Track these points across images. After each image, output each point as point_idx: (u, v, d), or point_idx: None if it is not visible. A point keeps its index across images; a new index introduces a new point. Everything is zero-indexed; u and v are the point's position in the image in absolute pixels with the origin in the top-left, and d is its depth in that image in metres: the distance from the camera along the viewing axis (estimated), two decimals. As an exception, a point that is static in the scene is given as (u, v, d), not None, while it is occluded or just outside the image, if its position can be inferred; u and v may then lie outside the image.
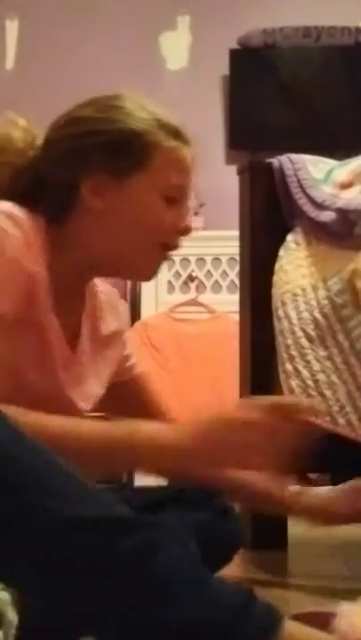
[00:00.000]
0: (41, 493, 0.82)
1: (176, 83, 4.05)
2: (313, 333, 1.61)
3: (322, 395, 1.57)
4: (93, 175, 1.17)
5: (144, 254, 1.20)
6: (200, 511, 1.25)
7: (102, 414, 1.29)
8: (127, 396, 1.40)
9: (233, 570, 1.63)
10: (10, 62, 4.14)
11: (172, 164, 1.21)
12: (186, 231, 1.23)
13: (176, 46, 4.07)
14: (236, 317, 1.88)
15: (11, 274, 1.06)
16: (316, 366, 1.59)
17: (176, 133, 1.24)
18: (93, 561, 0.80)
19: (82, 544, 0.81)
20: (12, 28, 4.15)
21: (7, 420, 0.88)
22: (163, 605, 0.80)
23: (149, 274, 1.24)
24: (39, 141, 1.25)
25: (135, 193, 1.19)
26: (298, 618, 0.91)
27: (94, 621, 0.83)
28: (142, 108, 1.26)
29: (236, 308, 1.88)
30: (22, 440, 0.87)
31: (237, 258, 1.91)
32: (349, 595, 1.40)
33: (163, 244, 1.22)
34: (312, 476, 3.29)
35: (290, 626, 0.84)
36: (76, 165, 1.18)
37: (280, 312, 1.66)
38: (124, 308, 1.41)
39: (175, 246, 1.23)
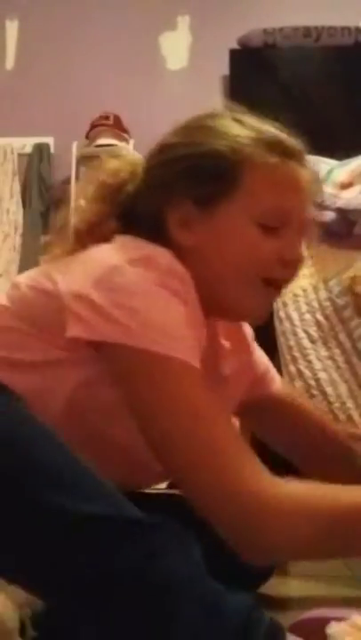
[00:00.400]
0: (50, 483, 0.79)
1: (176, 83, 4.05)
2: (315, 334, 1.61)
3: (323, 392, 1.57)
4: (178, 206, 1.03)
5: (247, 292, 1.02)
6: None
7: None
8: (273, 418, 1.23)
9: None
10: (10, 62, 4.15)
11: (268, 183, 1.03)
12: (293, 263, 1.04)
13: (176, 46, 4.07)
14: (237, 317, 1.88)
15: (196, 326, 0.95)
16: (318, 365, 1.59)
17: (279, 148, 1.08)
18: (95, 563, 0.77)
19: (88, 542, 0.78)
20: (11, 28, 4.16)
21: (21, 403, 0.85)
22: (164, 615, 0.77)
23: (259, 314, 1.07)
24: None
25: (223, 222, 1.02)
26: (293, 629, 0.91)
27: (94, 624, 0.79)
28: (238, 123, 1.12)
29: (237, 308, 1.87)
30: (35, 425, 0.84)
31: (238, 258, 1.91)
32: (349, 594, 1.41)
33: (266, 279, 1.03)
34: (312, 475, 3.29)
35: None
36: (162, 196, 1.04)
37: (281, 313, 1.66)
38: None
39: (283, 280, 1.05)
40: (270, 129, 1.13)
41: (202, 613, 0.78)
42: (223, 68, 3.94)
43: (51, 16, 4.12)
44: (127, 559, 0.78)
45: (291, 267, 1.04)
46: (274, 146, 1.08)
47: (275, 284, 1.04)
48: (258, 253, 1.01)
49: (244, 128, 1.11)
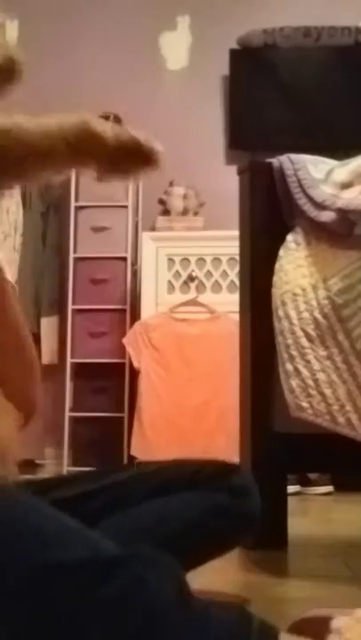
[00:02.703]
0: (22, 535, 0.79)
1: (176, 83, 4.05)
2: (313, 333, 1.61)
3: (322, 394, 1.57)
4: None
5: None
6: (216, 492, 1.23)
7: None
8: None
9: (234, 570, 1.63)
10: (10, 62, 4.14)
11: None
12: None
13: (176, 46, 4.07)
14: (236, 317, 1.88)
15: None
16: (316, 366, 1.59)
17: None
18: (78, 605, 0.76)
19: (66, 588, 0.76)
20: (12, 28, 4.16)
21: None
22: None
23: None
24: None
25: None
26: (293, 628, 0.90)
27: None
28: None
29: (236, 307, 1.87)
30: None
31: (237, 258, 1.90)
32: (350, 595, 1.41)
33: None
34: (312, 476, 3.29)
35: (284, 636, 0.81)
36: None
37: (280, 312, 1.66)
38: None
39: None
40: None
41: (190, 634, 0.78)
42: (223, 68, 3.94)
43: (51, 16, 4.12)
44: (111, 594, 0.77)
45: None
46: None
47: None
48: None
49: None
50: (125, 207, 3.75)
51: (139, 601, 0.77)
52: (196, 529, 1.19)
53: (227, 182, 3.54)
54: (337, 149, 2.67)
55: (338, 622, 0.84)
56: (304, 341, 1.61)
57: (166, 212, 3.88)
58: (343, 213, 1.66)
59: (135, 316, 3.66)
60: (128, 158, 0.97)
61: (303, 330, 1.61)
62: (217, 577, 1.42)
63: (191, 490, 1.22)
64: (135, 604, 0.76)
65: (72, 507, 0.93)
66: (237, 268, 2.03)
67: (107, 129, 0.95)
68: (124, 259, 3.72)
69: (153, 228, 3.81)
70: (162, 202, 3.93)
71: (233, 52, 3.89)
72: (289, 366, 1.61)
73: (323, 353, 1.59)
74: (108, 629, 0.76)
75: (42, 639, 0.78)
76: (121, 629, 0.76)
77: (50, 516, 0.83)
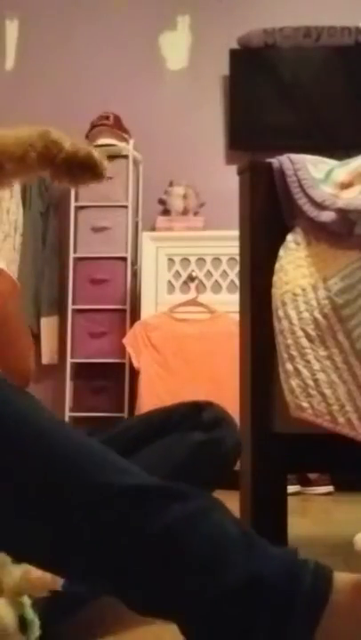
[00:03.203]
0: (87, 463, 0.82)
1: (176, 83, 4.05)
2: (313, 333, 1.61)
3: (322, 394, 1.57)
4: None
5: None
6: (193, 429, 1.28)
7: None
8: None
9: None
10: (10, 62, 4.15)
11: None
12: None
13: (176, 46, 4.08)
14: (236, 317, 1.88)
15: None
16: (316, 366, 1.59)
17: None
18: (146, 527, 0.79)
19: (137, 510, 0.80)
20: (11, 28, 4.16)
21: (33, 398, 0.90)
22: (220, 565, 0.77)
23: None
24: None
25: None
26: None
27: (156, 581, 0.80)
28: None
29: (236, 307, 1.87)
30: (52, 416, 0.88)
31: (237, 258, 1.90)
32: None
33: None
34: (312, 476, 3.29)
35: (338, 575, 0.80)
36: None
37: (280, 312, 1.66)
38: None
39: None
40: None
41: (257, 560, 0.78)
42: (223, 68, 3.94)
43: (51, 16, 4.12)
44: (174, 518, 0.80)
45: None
46: None
47: None
48: None
49: None
50: (125, 207, 3.76)
51: (205, 529, 0.79)
52: (180, 471, 1.20)
53: (227, 182, 3.55)
54: (337, 149, 2.68)
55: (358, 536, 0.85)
56: (304, 341, 1.61)
57: (166, 212, 3.88)
58: (343, 213, 1.66)
59: (135, 316, 3.66)
60: (79, 166, 1.10)
61: (303, 330, 1.61)
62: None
63: (164, 437, 1.26)
64: (202, 532, 0.79)
65: None
66: (237, 268, 2.03)
67: (65, 138, 1.11)
68: (124, 259, 3.72)
69: (153, 228, 3.81)
70: (162, 202, 3.93)
71: (233, 52, 3.89)
72: (289, 366, 1.61)
73: (323, 353, 1.59)
74: (173, 554, 0.78)
75: (102, 553, 0.80)
76: (187, 556, 0.78)
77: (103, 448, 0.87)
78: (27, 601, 1.01)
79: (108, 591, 0.84)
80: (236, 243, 1.87)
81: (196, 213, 3.86)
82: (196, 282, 3.58)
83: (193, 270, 3.59)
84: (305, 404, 1.58)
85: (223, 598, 0.76)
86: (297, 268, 1.68)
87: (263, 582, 0.76)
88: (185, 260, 3.61)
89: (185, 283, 3.59)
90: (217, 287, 3.58)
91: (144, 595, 0.80)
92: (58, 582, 1.00)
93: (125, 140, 3.81)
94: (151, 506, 0.80)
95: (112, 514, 0.79)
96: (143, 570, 0.79)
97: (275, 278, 1.70)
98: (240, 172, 1.87)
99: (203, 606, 0.76)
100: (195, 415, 1.31)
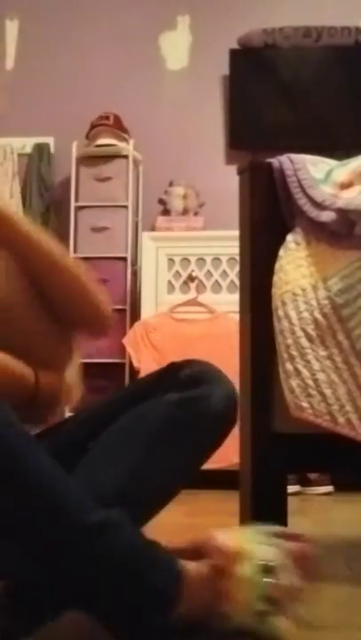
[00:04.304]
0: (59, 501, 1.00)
1: (176, 83, 4.05)
2: (313, 333, 1.61)
3: (322, 394, 1.57)
4: None
5: None
6: (168, 390, 1.22)
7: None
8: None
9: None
10: (10, 62, 4.15)
11: None
12: None
13: (176, 46, 4.07)
14: (236, 317, 1.88)
15: None
16: (316, 365, 1.58)
17: None
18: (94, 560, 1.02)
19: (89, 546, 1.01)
20: (11, 28, 4.16)
21: (19, 427, 0.99)
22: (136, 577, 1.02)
23: None
24: None
25: None
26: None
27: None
28: None
29: (236, 307, 1.87)
30: (36, 451, 1.00)
31: (237, 258, 1.90)
32: (350, 595, 1.41)
33: None
34: (312, 476, 3.29)
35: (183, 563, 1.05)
36: None
37: (280, 312, 1.65)
38: None
39: None
40: None
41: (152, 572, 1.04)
42: (223, 68, 3.94)
43: (51, 16, 4.12)
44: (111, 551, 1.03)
45: None
46: None
47: None
48: None
49: None
50: (125, 207, 3.76)
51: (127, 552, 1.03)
52: (156, 435, 1.17)
53: (227, 182, 3.54)
54: (337, 149, 2.67)
55: (215, 534, 1.07)
56: (304, 341, 1.61)
57: (166, 212, 3.88)
58: (343, 213, 1.66)
59: (135, 316, 3.66)
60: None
61: (303, 330, 1.61)
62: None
63: (141, 401, 1.22)
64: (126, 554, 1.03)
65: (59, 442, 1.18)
66: (237, 268, 2.03)
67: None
68: (124, 259, 3.72)
69: (153, 228, 3.81)
70: (162, 202, 3.93)
71: (233, 52, 3.89)
72: (289, 366, 1.61)
73: (323, 353, 1.59)
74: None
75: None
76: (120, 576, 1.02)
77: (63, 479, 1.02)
78: None
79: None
80: (236, 243, 1.87)
81: (196, 213, 3.86)
82: (196, 282, 3.58)
83: (193, 270, 3.59)
84: (305, 404, 1.58)
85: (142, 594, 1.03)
86: (297, 268, 1.68)
87: (156, 589, 1.03)
88: (185, 260, 3.61)
89: (185, 283, 3.59)
90: (217, 287, 3.58)
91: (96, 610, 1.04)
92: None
93: (125, 140, 3.81)
94: (96, 546, 1.00)
95: (70, 550, 1.00)
96: (93, 591, 1.02)
97: (275, 278, 1.70)
98: (240, 172, 1.87)
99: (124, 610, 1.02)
100: (171, 375, 1.25)
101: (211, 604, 1.04)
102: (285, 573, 1.06)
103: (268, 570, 1.05)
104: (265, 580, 1.03)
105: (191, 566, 1.06)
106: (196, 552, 1.09)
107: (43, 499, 0.97)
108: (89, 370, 3.67)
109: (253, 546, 1.06)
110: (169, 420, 1.17)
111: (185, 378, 1.23)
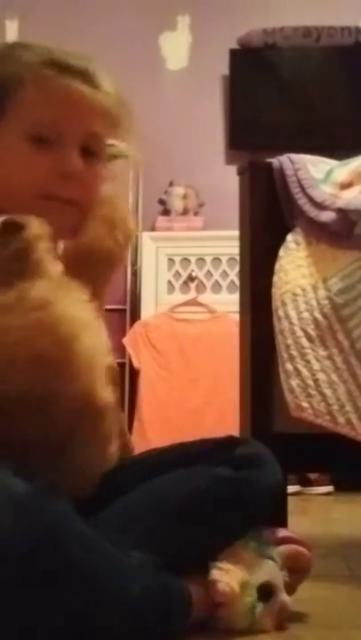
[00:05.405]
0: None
1: (176, 83, 4.05)
2: (313, 333, 1.61)
3: (322, 394, 1.57)
4: None
5: (27, 210, 0.97)
6: (217, 465, 1.09)
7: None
8: None
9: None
10: (10, 62, 4.14)
11: (39, 95, 1.02)
12: (69, 176, 1.04)
13: (176, 46, 4.08)
14: (236, 317, 1.88)
15: None
16: (316, 366, 1.59)
17: (56, 64, 1.05)
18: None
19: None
20: (12, 28, 4.16)
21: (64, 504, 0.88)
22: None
23: (53, 230, 1.03)
24: None
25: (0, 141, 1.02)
26: None
27: None
28: (25, 49, 1.07)
29: (236, 307, 1.87)
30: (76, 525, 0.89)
31: (237, 258, 1.90)
32: (350, 595, 1.41)
33: (46, 195, 1.03)
34: (312, 475, 3.29)
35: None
36: None
37: (280, 312, 1.65)
38: None
39: (63, 194, 1.04)
40: (55, 49, 1.08)
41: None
42: (223, 68, 3.94)
43: (51, 16, 4.12)
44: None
45: (70, 180, 1.04)
46: (51, 62, 1.05)
47: (58, 199, 1.03)
48: (31, 168, 1.01)
49: (29, 52, 1.06)
50: (125, 207, 3.75)
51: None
52: (196, 503, 1.05)
53: (227, 182, 3.54)
54: (337, 149, 2.67)
55: (214, 572, 1.05)
56: (304, 341, 1.61)
57: (166, 212, 3.88)
58: (343, 213, 1.66)
59: (135, 316, 3.66)
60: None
61: (303, 330, 1.61)
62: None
63: (189, 466, 1.10)
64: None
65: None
66: (237, 268, 2.03)
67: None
68: (124, 259, 3.72)
69: (153, 228, 3.81)
70: (162, 202, 3.93)
71: (233, 52, 3.89)
72: (289, 366, 1.61)
73: (323, 353, 1.59)
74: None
75: None
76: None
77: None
78: None
79: None
80: (236, 243, 1.87)
81: (196, 213, 3.86)
82: (196, 282, 3.58)
83: (193, 270, 3.59)
84: (305, 404, 1.58)
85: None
86: (297, 268, 1.68)
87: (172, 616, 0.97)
88: (185, 260, 3.61)
89: (185, 283, 3.59)
90: (217, 287, 3.58)
91: None
92: None
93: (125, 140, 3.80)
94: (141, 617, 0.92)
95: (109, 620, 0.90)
96: None
97: (275, 278, 1.70)
98: (240, 172, 1.87)
99: None
100: (227, 448, 1.14)
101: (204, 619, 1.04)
102: (281, 592, 1.10)
103: (266, 591, 1.08)
104: (262, 605, 1.07)
105: (193, 590, 1.03)
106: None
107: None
108: (89, 370, 3.69)
109: (250, 578, 1.06)
110: (215, 492, 1.07)
111: (240, 456, 1.13)
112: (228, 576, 1.04)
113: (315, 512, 2.85)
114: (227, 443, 1.16)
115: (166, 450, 1.19)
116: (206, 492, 1.06)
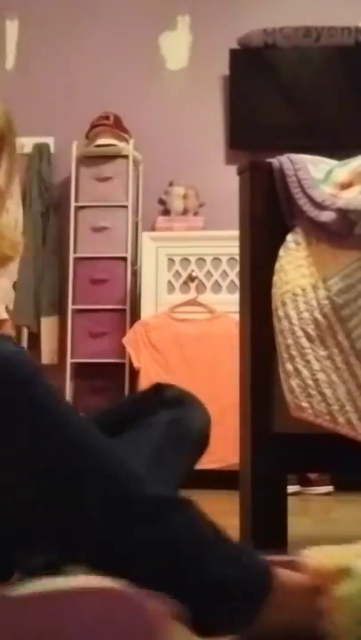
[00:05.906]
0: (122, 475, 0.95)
1: (176, 83, 4.05)
2: (313, 333, 1.61)
3: (322, 394, 1.57)
4: None
5: None
6: (158, 410, 1.29)
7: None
8: None
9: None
10: (10, 62, 4.15)
11: None
12: None
13: (176, 46, 4.07)
14: (236, 317, 1.88)
15: None
16: (316, 366, 1.59)
17: None
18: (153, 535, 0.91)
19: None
20: (12, 27, 4.16)
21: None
22: (207, 561, 0.92)
23: None
24: None
25: None
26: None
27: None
28: None
29: (236, 308, 1.87)
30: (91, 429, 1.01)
31: (237, 258, 1.90)
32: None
33: None
34: (312, 475, 3.29)
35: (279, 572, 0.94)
36: None
37: (280, 312, 1.66)
38: None
39: None
40: None
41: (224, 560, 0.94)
42: (223, 68, 3.94)
43: (51, 16, 4.12)
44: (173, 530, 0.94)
45: None
46: None
47: None
48: None
49: None
50: (125, 207, 3.76)
51: (194, 535, 0.94)
52: (159, 453, 1.21)
53: (227, 182, 3.55)
54: (337, 149, 2.67)
55: (307, 552, 0.97)
56: (304, 341, 1.61)
57: (166, 212, 3.88)
58: (343, 213, 1.66)
59: (135, 316, 3.66)
60: None
61: (303, 330, 1.61)
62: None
63: (135, 421, 1.26)
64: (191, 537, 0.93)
65: None
66: (237, 268, 2.03)
67: None
68: (124, 259, 3.72)
69: (153, 228, 3.81)
70: (162, 202, 3.93)
71: (233, 52, 3.89)
72: (289, 366, 1.61)
73: (323, 353, 1.59)
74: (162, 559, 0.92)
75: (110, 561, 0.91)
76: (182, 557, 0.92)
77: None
78: None
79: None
80: (236, 243, 1.88)
81: (195, 213, 3.86)
82: (196, 282, 3.58)
83: (193, 270, 3.59)
84: (305, 404, 1.58)
85: (208, 587, 0.92)
86: (297, 268, 1.68)
87: (228, 580, 0.92)
88: (185, 260, 3.61)
89: (185, 283, 3.59)
90: (217, 287, 3.58)
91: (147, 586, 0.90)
92: None
93: (125, 140, 3.81)
94: (158, 519, 0.92)
95: (127, 522, 0.92)
96: (148, 568, 0.91)
97: (275, 278, 1.70)
98: (240, 172, 1.87)
99: (195, 592, 0.91)
100: (156, 396, 1.33)
101: (303, 620, 0.90)
102: None
103: None
104: None
105: (283, 572, 0.94)
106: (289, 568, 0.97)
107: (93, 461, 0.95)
108: (89, 370, 3.69)
109: (356, 562, 0.94)
110: (166, 436, 1.24)
111: (168, 399, 1.32)
112: (323, 556, 0.94)
113: (315, 512, 2.85)
114: (153, 390, 1.35)
115: (107, 411, 1.36)
116: (160, 437, 1.23)
